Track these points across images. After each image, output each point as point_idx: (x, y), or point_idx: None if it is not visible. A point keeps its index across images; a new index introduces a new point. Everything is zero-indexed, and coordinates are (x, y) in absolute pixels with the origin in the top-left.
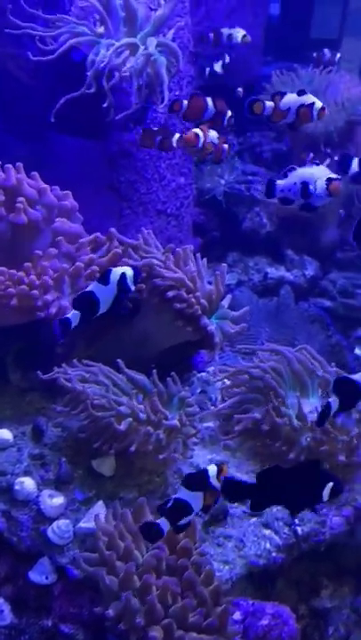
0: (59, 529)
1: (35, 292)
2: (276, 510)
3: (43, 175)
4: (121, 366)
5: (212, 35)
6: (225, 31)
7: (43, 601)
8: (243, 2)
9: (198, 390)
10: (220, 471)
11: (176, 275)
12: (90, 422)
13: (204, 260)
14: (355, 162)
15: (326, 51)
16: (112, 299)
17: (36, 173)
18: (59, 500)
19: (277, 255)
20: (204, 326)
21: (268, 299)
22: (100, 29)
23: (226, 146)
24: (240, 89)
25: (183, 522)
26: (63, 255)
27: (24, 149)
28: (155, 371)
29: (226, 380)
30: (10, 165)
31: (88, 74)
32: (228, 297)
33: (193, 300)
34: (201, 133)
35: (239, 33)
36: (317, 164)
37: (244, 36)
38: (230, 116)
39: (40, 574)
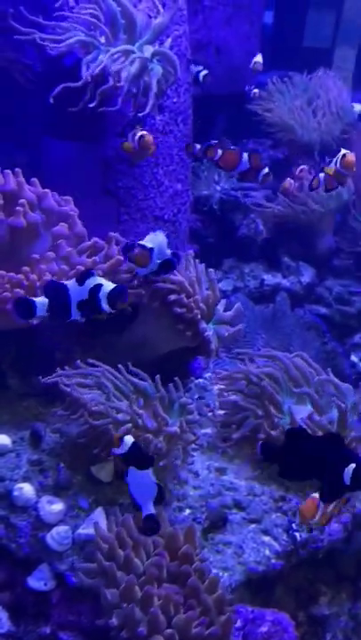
0: (58, 535)
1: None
2: (276, 517)
3: (40, 181)
4: (122, 371)
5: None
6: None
7: (41, 608)
8: (239, 10)
9: (196, 396)
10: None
11: (178, 278)
12: (89, 428)
13: (203, 265)
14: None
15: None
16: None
17: (35, 179)
18: (58, 506)
19: (274, 262)
20: (202, 332)
21: (265, 305)
22: (102, 38)
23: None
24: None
25: None
26: (63, 259)
27: (21, 155)
28: (158, 376)
29: (222, 386)
30: (9, 171)
31: (82, 75)
32: (223, 301)
33: (193, 304)
34: None
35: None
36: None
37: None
38: (266, 173)
39: (39, 580)
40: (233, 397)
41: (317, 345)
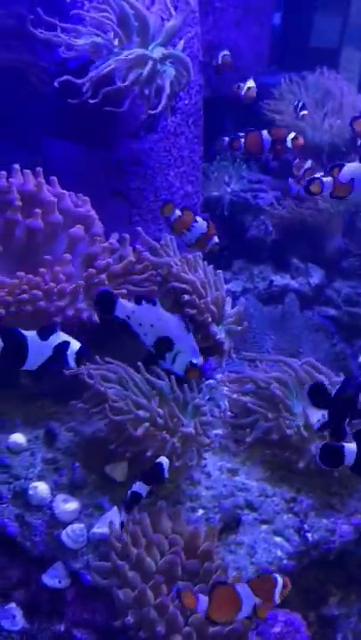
0: (73, 533)
1: (45, 302)
2: (287, 518)
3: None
4: (140, 368)
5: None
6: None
7: (55, 606)
8: (248, 12)
9: (207, 397)
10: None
11: (190, 277)
12: (108, 423)
13: (211, 266)
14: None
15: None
16: (43, 359)
17: (54, 178)
18: (73, 504)
19: (283, 263)
20: (213, 334)
21: (273, 306)
22: (115, 41)
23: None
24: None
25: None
26: (79, 260)
27: (28, 157)
28: (173, 376)
29: (229, 388)
30: (28, 171)
31: (90, 76)
32: (229, 300)
33: (203, 305)
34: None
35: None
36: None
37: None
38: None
39: (53, 578)
40: (243, 399)
41: (326, 346)
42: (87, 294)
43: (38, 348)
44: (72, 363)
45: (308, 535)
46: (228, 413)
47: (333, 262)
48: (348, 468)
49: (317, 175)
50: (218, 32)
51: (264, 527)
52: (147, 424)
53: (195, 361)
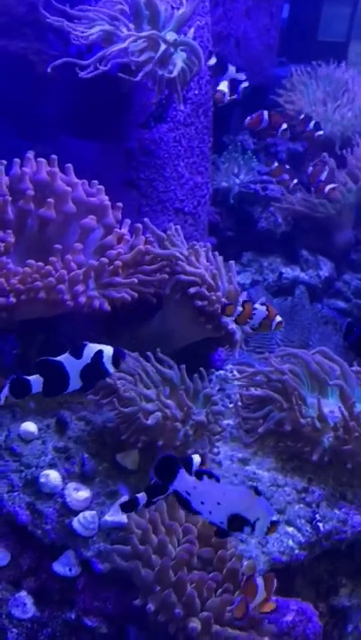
0: (84, 519)
1: (61, 286)
2: (299, 508)
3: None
4: (150, 359)
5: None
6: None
7: (66, 594)
8: (259, 3)
9: (217, 388)
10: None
11: (198, 270)
12: (118, 414)
13: (221, 257)
14: None
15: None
16: (84, 371)
17: (70, 165)
18: (84, 493)
19: (292, 255)
20: (225, 325)
21: (283, 298)
22: (124, 29)
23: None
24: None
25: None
26: (91, 249)
27: (41, 149)
28: (183, 366)
29: (243, 378)
30: (42, 159)
31: (101, 55)
32: (244, 293)
33: (214, 297)
34: None
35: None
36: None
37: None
38: (285, 129)
39: (64, 566)
40: (255, 391)
41: (335, 339)
42: (98, 283)
43: (76, 368)
44: (110, 368)
45: (320, 525)
46: (240, 404)
47: (343, 255)
48: None
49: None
50: (228, 22)
51: (276, 517)
52: (158, 414)
53: (274, 519)
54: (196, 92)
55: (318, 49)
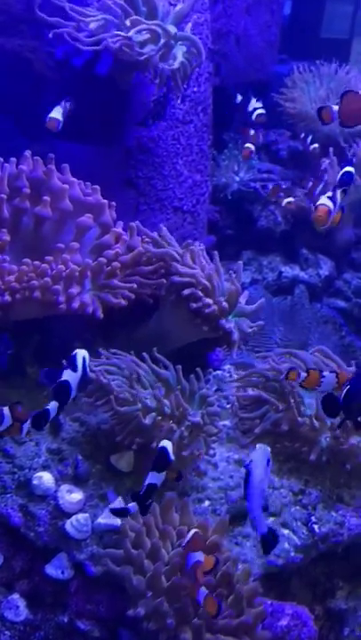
0: (77, 522)
1: (57, 287)
2: (295, 510)
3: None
4: (146, 359)
5: None
6: None
7: (59, 597)
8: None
9: (214, 388)
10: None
11: (192, 271)
12: (113, 415)
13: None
14: None
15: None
16: (80, 381)
17: (66, 165)
18: (77, 495)
19: (292, 254)
20: (222, 326)
21: (282, 297)
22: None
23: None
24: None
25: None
26: (87, 249)
27: (36, 148)
28: (179, 366)
29: (239, 379)
30: (38, 158)
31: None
32: (246, 293)
33: (209, 299)
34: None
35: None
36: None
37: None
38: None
39: (56, 569)
40: (252, 392)
41: (335, 339)
42: (95, 284)
43: (75, 380)
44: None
45: (316, 528)
46: (236, 404)
47: (344, 253)
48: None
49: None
50: (227, 19)
51: (272, 519)
52: (154, 414)
53: None
54: (195, 89)
55: (321, 46)
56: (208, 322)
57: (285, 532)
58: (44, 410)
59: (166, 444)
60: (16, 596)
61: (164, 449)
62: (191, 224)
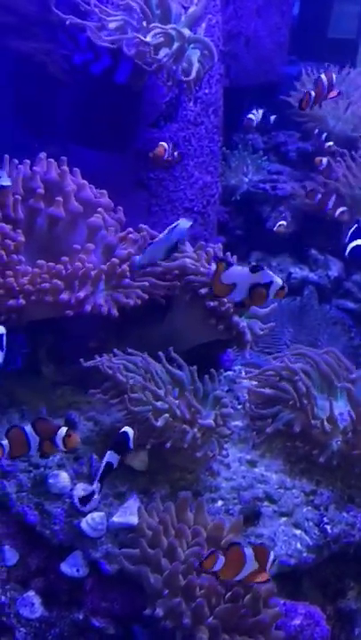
0: (93, 520)
1: (70, 288)
2: (307, 510)
3: None
4: (161, 358)
5: None
6: None
7: (74, 595)
8: (270, 0)
9: (226, 389)
10: None
11: (208, 272)
12: (127, 415)
13: (234, 257)
14: None
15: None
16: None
17: (77, 169)
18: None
19: (301, 255)
20: (236, 324)
21: (292, 298)
22: (144, 24)
23: None
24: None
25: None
26: (100, 250)
27: (49, 150)
28: (195, 367)
29: (252, 382)
30: (52, 160)
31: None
32: None
33: (224, 298)
34: None
35: None
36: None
37: None
38: None
39: (71, 567)
40: (265, 391)
41: (344, 340)
42: (108, 284)
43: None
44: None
45: (328, 528)
46: (248, 404)
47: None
48: None
49: None
50: (238, 21)
51: (283, 519)
52: (167, 415)
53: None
54: (207, 90)
55: (328, 46)
56: (223, 321)
57: (297, 532)
58: (108, 463)
59: (128, 429)
60: (31, 593)
61: (125, 434)
62: (201, 225)
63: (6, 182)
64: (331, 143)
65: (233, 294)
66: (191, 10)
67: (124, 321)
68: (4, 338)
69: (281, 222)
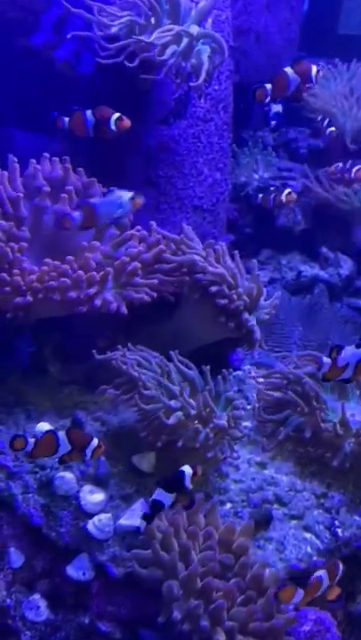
0: (100, 522)
1: (74, 291)
2: (317, 513)
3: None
4: (173, 357)
5: None
6: None
7: (80, 598)
8: None
9: (235, 388)
10: (194, 474)
11: (218, 270)
12: (139, 411)
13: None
14: None
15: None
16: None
17: (81, 169)
18: (99, 496)
19: (312, 253)
20: (246, 322)
21: (301, 296)
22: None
23: None
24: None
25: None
26: (107, 247)
27: (56, 147)
28: (208, 367)
29: (261, 380)
30: (56, 158)
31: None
32: (264, 291)
33: (235, 295)
34: None
35: None
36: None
37: None
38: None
39: (77, 570)
40: (274, 394)
41: (355, 339)
42: (116, 282)
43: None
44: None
45: (339, 531)
46: (258, 406)
47: None
48: None
49: None
50: (248, 16)
51: (294, 522)
52: (179, 413)
53: None
54: (216, 87)
55: (338, 42)
56: (233, 319)
57: (308, 535)
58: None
59: (186, 469)
60: (37, 596)
61: (181, 473)
62: (210, 223)
63: None
64: (333, 129)
65: (345, 373)
66: (201, 4)
67: (132, 319)
68: None
69: (288, 190)
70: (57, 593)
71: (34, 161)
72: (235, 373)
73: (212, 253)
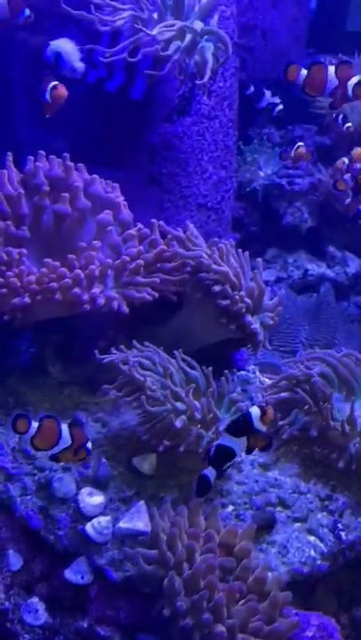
0: (99, 524)
1: (76, 289)
2: (321, 516)
3: None
4: (177, 357)
5: None
6: None
7: (78, 602)
8: None
9: (239, 389)
10: (263, 414)
11: (222, 268)
12: (142, 414)
13: (246, 253)
14: None
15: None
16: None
17: (81, 165)
18: (98, 498)
19: (318, 251)
20: (248, 324)
21: (308, 295)
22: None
23: None
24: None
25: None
26: (109, 247)
27: (59, 145)
28: (210, 368)
29: (267, 380)
30: (54, 156)
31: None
32: (267, 290)
33: (237, 297)
34: None
35: None
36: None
37: None
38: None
39: (76, 573)
40: (281, 395)
41: None
42: (117, 282)
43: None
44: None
45: (343, 535)
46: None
47: None
48: None
49: None
50: (254, 13)
51: (297, 525)
52: (184, 417)
53: None
54: (221, 84)
55: (347, 39)
56: (235, 320)
57: (311, 538)
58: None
59: (253, 410)
60: (35, 599)
61: (248, 414)
62: (215, 221)
63: None
64: (349, 124)
65: None
66: (204, 1)
67: (133, 319)
68: None
69: (300, 144)
70: (55, 596)
71: (32, 158)
72: (239, 374)
73: (217, 251)
